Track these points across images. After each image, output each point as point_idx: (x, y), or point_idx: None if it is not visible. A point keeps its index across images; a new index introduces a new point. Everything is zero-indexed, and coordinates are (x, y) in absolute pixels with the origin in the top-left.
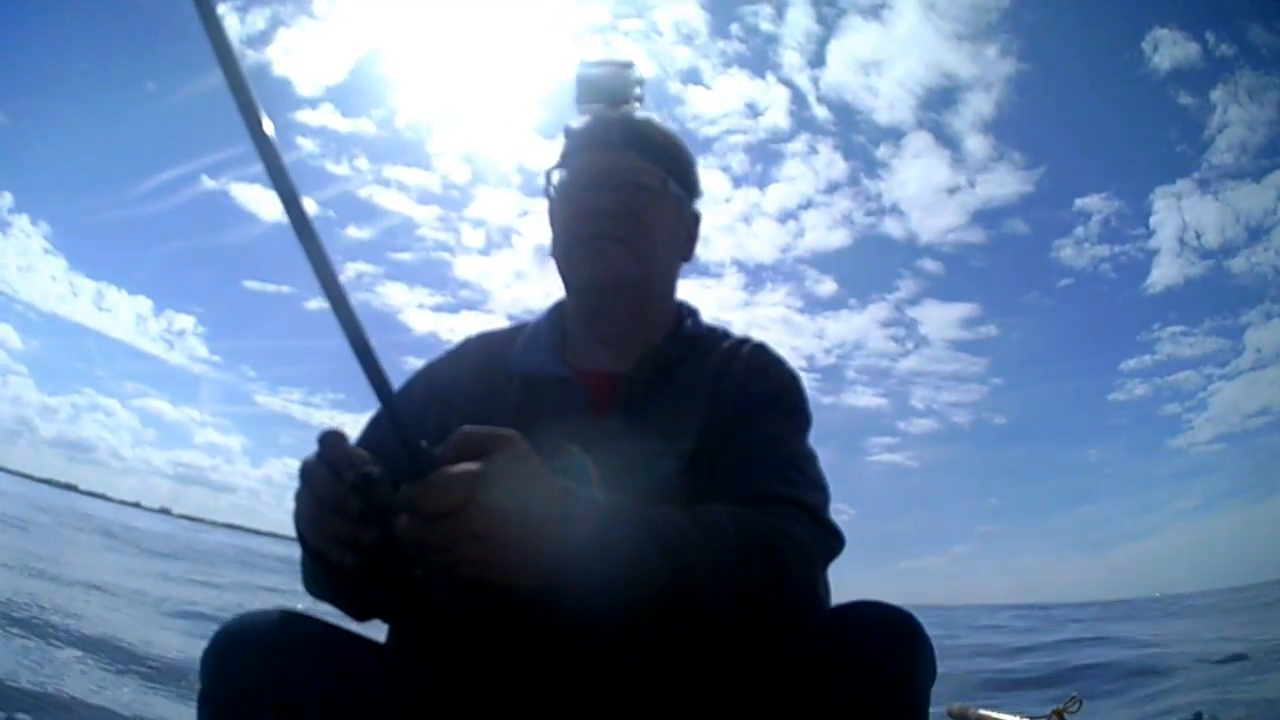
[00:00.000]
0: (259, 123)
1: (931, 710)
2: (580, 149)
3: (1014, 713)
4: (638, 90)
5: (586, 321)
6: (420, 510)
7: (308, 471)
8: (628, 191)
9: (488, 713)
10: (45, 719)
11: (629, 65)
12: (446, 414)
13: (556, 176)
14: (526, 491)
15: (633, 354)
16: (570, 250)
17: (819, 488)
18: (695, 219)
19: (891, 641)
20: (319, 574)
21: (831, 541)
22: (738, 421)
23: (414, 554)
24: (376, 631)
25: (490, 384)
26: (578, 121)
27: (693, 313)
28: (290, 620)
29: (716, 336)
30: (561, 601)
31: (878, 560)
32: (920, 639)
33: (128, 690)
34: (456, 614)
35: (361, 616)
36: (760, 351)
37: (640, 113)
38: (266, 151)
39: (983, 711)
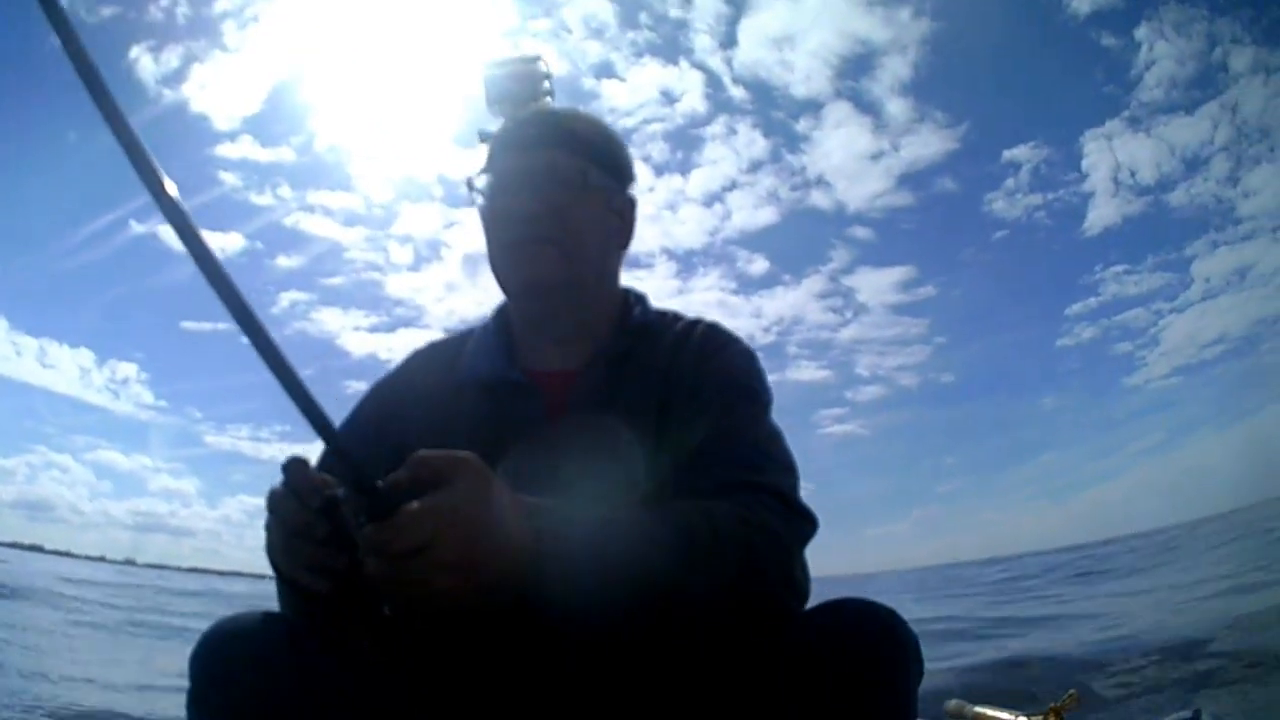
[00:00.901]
0: (161, 185)
1: (929, 708)
2: (499, 152)
3: (1011, 710)
4: (546, 84)
5: (528, 323)
6: (390, 551)
7: (274, 500)
8: (548, 190)
9: (473, 714)
10: None
11: (534, 59)
12: (403, 430)
13: (481, 183)
14: (491, 515)
15: (583, 349)
16: (498, 255)
17: (787, 470)
18: (630, 204)
19: (877, 640)
20: (295, 603)
21: (804, 526)
22: (697, 408)
23: (387, 592)
24: None
25: (443, 394)
26: (495, 125)
27: (640, 299)
28: (276, 622)
29: (667, 321)
30: (539, 612)
31: (843, 532)
32: (906, 637)
33: None
34: (428, 645)
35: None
36: (713, 333)
37: (557, 106)
38: (167, 207)
39: (979, 709)
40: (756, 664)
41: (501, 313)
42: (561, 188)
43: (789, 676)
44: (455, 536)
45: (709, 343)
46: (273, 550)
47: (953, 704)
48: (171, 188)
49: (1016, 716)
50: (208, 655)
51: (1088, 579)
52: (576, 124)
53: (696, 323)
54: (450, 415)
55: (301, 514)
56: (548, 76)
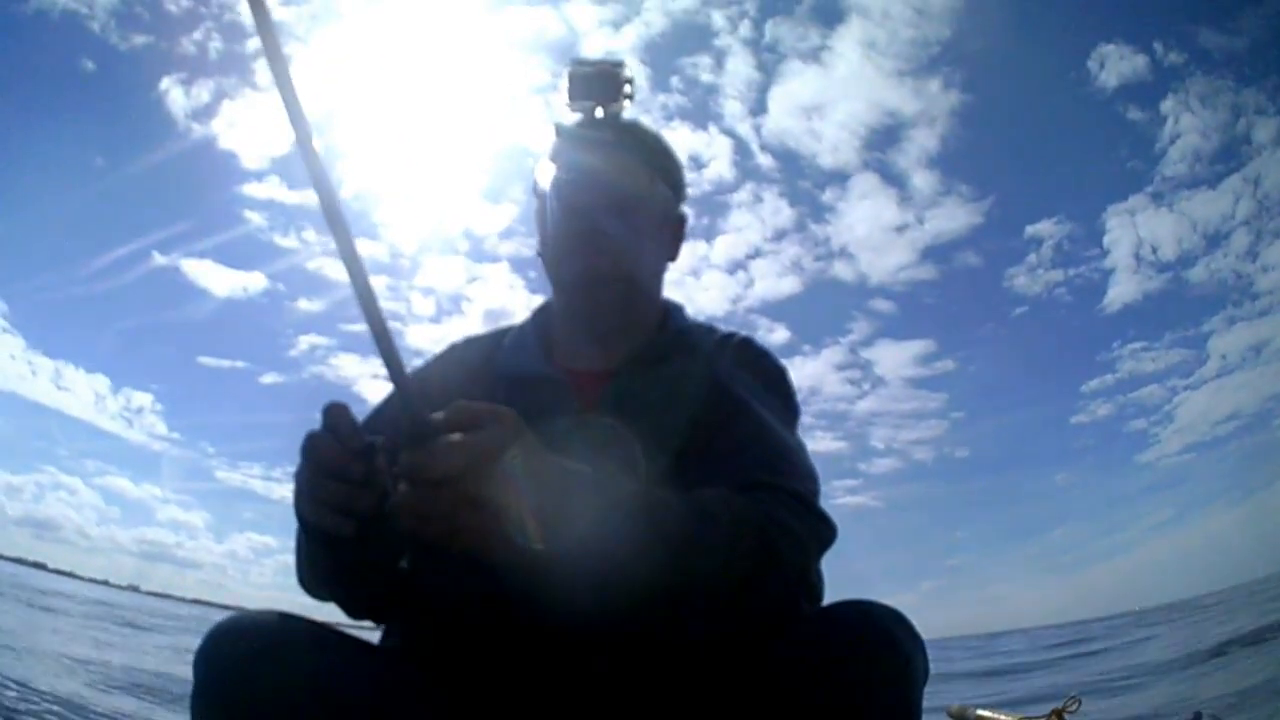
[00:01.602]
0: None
1: (929, 709)
2: (572, 146)
3: (1013, 712)
4: (628, 89)
5: (574, 318)
6: (421, 475)
7: (312, 439)
8: (619, 190)
9: (480, 712)
10: None
11: (620, 64)
12: None
13: (547, 173)
14: (525, 463)
15: (620, 351)
16: (562, 245)
17: (810, 477)
18: (681, 220)
19: (884, 641)
20: (315, 555)
21: (824, 530)
22: (727, 414)
23: (411, 526)
24: (370, 633)
25: (478, 388)
26: (568, 119)
27: (678, 309)
28: (282, 620)
29: (703, 331)
30: (552, 584)
31: None
32: (913, 638)
33: None
34: (444, 606)
35: (354, 610)
36: (748, 344)
37: (628, 113)
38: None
39: (981, 711)
40: (763, 662)
41: (543, 311)
42: (631, 189)
43: (795, 675)
44: (485, 474)
45: (744, 353)
46: (300, 497)
47: (955, 706)
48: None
49: (1019, 719)
50: (212, 653)
51: (1078, 659)
52: (643, 132)
53: (732, 334)
54: None
55: (338, 452)
56: (630, 82)
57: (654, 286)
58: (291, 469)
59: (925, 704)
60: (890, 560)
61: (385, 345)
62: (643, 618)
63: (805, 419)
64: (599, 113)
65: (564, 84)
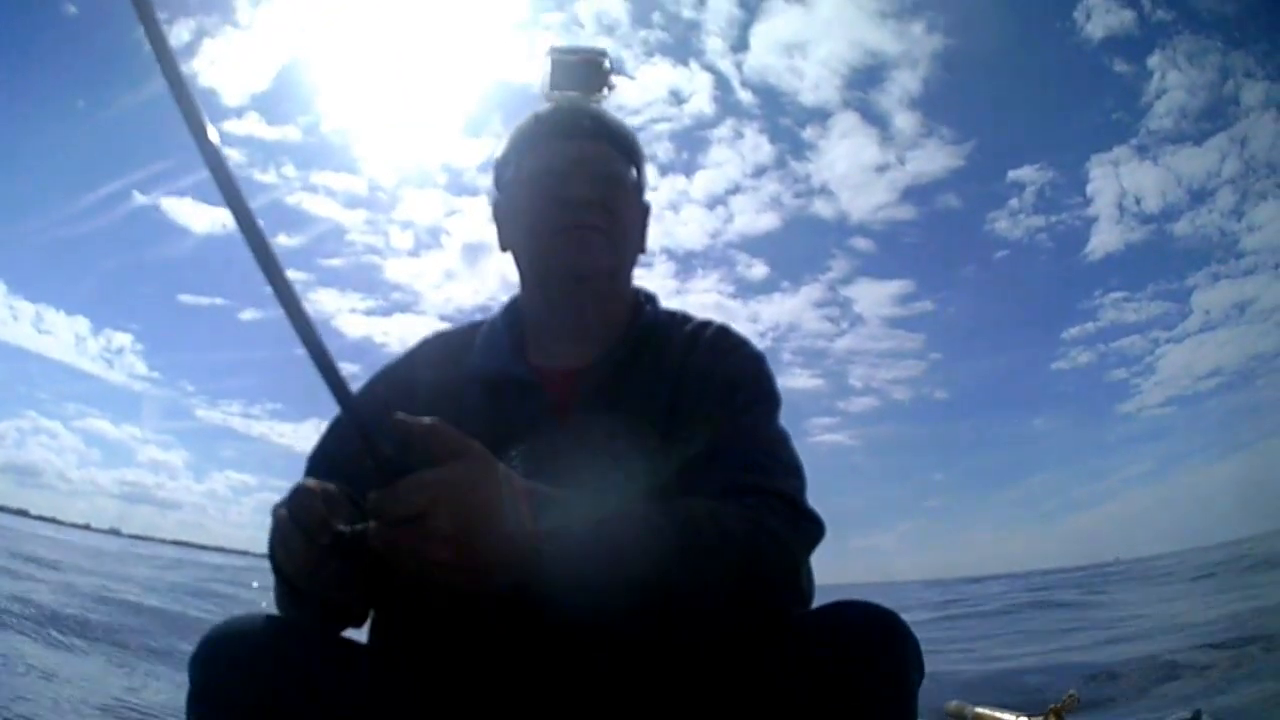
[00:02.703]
0: (204, 130)
1: (928, 708)
2: (551, 136)
3: (1011, 711)
4: (611, 80)
5: (552, 314)
6: (388, 516)
7: (282, 530)
8: (603, 181)
9: (473, 713)
10: None
11: (603, 54)
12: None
13: (524, 163)
14: (490, 495)
15: (594, 348)
16: (545, 239)
17: (794, 473)
18: (647, 211)
19: (878, 641)
20: (294, 598)
21: (811, 530)
22: (705, 409)
23: (387, 559)
24: (360, 634)
25: (449, 388)
26: (541, 108)
27: (650, 299)
28: (275, 624)
29: (677, 322)
30: (538, 604)
31: (828, 541)
32: (906, 638)
33: None
34: (427, 644)
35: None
36: (723, 334)
37: (596, 103)
38: (211, 158)
39: (979, 710)
40: (758, 666)
41: (512, 308)
42: (614, 181)
43: (790, 679)
44: (451, 509)
45: (719, 344)
46: (282, 565)
47: (953, 704)
48: (214, 134)
49: (1017, 717)
50: (208, 657)
51: (1042, 608)
52: (618, 124)
53: (707, 324)
54: (455, 410)
55: (311, 553)
56: (611, 73)
57: (628, 280)
58: (271, 405)
59: (921, 703)
60: (868, 500)
61: (333, 378)
62: (631, 627)
63: (784, 355)
64: (578, 102)
65: (544, 71)
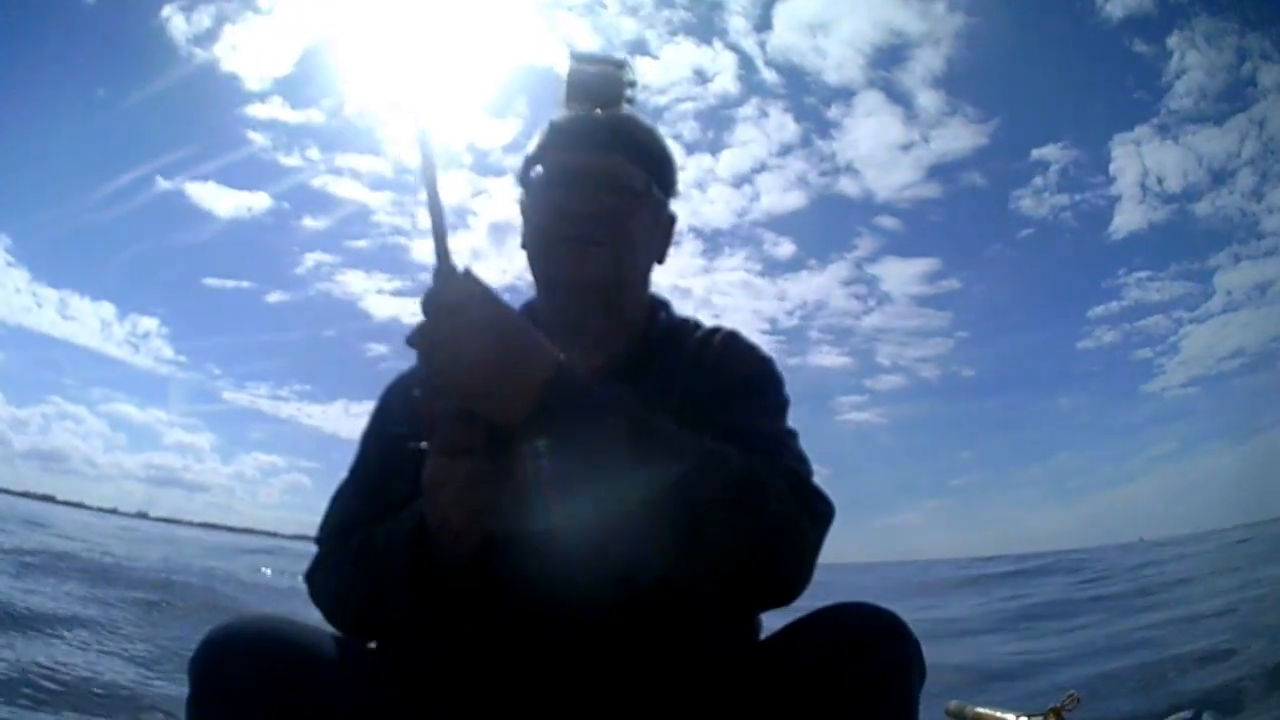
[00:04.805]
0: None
1: (927, 708)
2: (561, 146)
3: (1012, 710)
4: (629, 92)
5: (559, 318)
6: (436, 301)
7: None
8: (609, 193)
9: (476, 713)
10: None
11: (622, 64)
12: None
13: (536, 170)
14: (534, 337)
15: (606, 352)
16: (547, 250)
17: (802, 460)
18: (672, 220)
19: (879, 643)
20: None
21: (821, 506)
22: (714, 411)
23: (424, 357)
24: None
25: None
26: (560, 115)
27: (664, 305)
28: (276, 624)
29: (689, 329)
30: (540, 588)
31: (853, 519)
32: (908, 639)
33: None
34: (428, 647)
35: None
36: (732, 340)
37: (624, 111)
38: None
39: (980, 709)
40: (759, 666)
41: (526, 310)
42: (623, 193)
43: (792, 679)
44: (489, 310)
45: (729, 347)
46: (433, 506)
47: (953, 704)
48: None
49: (1018, 717)
50: (208, 659)
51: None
52: (640, 133)
53: (716, 330)
54: None
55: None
56: (633, 84)
57: (640, 289)
58: (299, 387)
59: (921, 703)
60: (896, 478)
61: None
62: (649, 581)
63: (811, 333)
64: (596, 112)
65: (564, 80)
